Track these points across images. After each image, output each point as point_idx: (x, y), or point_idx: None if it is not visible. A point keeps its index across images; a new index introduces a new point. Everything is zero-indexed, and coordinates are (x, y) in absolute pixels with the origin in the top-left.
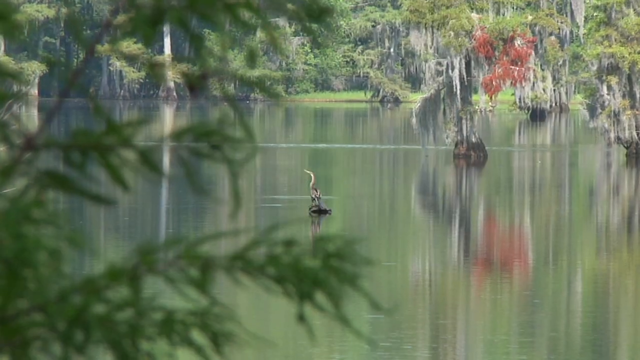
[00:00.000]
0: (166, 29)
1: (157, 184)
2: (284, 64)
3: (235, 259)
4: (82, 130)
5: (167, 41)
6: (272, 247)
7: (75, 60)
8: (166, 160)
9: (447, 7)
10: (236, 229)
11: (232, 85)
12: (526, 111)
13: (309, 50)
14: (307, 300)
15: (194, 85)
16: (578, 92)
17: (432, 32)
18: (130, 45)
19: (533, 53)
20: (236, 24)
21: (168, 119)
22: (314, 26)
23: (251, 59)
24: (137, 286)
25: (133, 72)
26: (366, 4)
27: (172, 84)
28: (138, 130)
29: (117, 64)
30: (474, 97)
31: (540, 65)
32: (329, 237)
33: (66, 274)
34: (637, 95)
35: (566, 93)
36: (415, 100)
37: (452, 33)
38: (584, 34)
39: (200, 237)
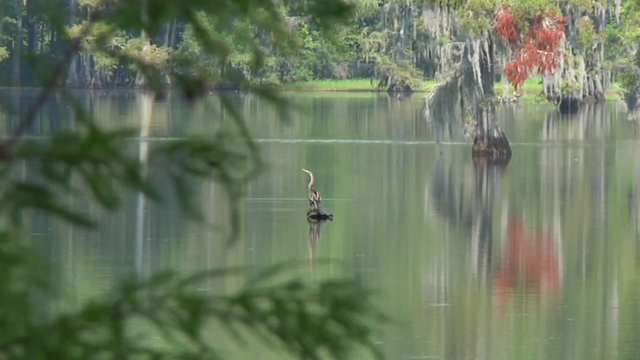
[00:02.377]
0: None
1: (136, 202)
2: (278, 47)
3: (234, 303)
4: (65, 136)
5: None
6: (275, 290)
7: (40, 43)
8: (148, 173)
9: None
10: (232, 267)
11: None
12: (556, 102)
13: (307, 32)
14: (310, 356)
15: (193, 92)
16: (615, 80)
17: (448, 11)
18: (102, 27)
19: (563, 35)
20: (244, 18)
21: (146, 111)
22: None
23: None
24: (119, 326)
25: (106, 57)
26: None
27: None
28: (125, 140)
29: (88, 48)
30: (496, 86)
31: (572, 50)
32: (339, 283)
33: (36, 312)
34: None
35: (601, 81)
36: (428, 89)
37: (470, 12)
38: (621, 14)
39: (192, 274)
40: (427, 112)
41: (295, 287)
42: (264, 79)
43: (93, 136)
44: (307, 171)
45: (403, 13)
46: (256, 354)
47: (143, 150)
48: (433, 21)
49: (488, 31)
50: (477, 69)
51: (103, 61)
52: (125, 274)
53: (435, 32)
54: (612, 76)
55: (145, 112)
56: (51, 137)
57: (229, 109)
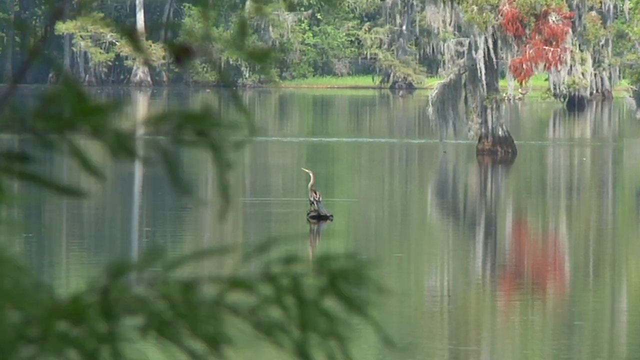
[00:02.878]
0: (139, 1)
1: (129, 182)
2: (277, 43)
3: (228, 282)
4: (48, 110)
5: (140, 17)
6: (269, 265)
7: (33, 39)
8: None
9: None
10: (224, 245)
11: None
12: (562, 99)
13: (307, 28)
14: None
15: (181, 55)
16: (623, 77)
17: (452, 7)
18: (97, 22)
19: (570, 31)
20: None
21: (141, 108)
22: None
23: (241, 32)
24: (107, 311)
25: (100, 53)
26: None
27: (146, 68)
28: (112, 113)
29: (82, 44)
30: (501, 83)
31: (579, 46)
32: (335, 256)
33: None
34: None
35: (609, 78)
36: (431, 86)
37: (475, 8)
38: (630, 9)
39: (183, 256)
40: (430, 110)
41: (290, 261)
42: (262, 76)
43: (80, 106)
44: (307, 170)
45: (405, 8)
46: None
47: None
48: (436, 16)
49: (493, 27)
50: (481, 65)
51: (97, 57)
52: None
53: (438, 28)
54: (620, 73)
55: (141, 109)
56: (36, 106)
57: (220, 73)
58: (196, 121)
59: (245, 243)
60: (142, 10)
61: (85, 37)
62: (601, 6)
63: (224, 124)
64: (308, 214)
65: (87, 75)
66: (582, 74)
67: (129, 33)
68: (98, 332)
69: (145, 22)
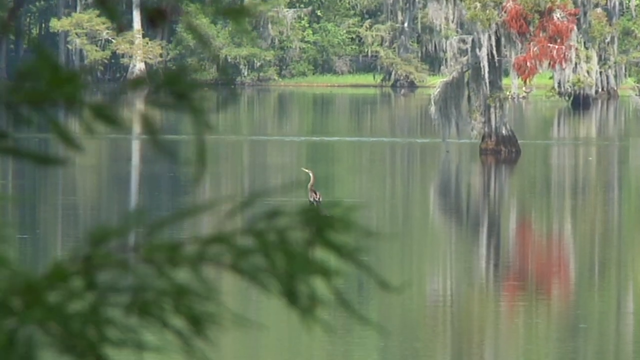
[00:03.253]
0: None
1: (126, 182)
2: (276, 41)
3: (210, 243)
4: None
5: (136, 15)
6: (254, 221)
7: (27, 37)
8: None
9: None
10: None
11: (215, 67)
12: (567, 98)
13: (307, 25)
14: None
15: (155, 18)
16: (629, 75)
17: (455, 3)
18: (92, 19)
19: (575, 28)
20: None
21: (137, 107)
22: None
23: (238, 27)
24: (93, 279)
25: (96, 51)
26: None
27: (142, 66)
28: (86, 81)
29: (77, 41)
30: (505, 81)
31: (584, 43)
32: (321, 205)
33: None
34: None
35: (615, 76)
36: (434, 84)
37: (478, 4)
38: (636, 6)
39: (164, 217)
40: (432, 109)
41: (274, 215)
42: (261, 74)
43: (55, 76)
44: (306, 170)
45: (407, 5)
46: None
47: (135, 149)
48: (438, 13)
49: (496, 24)
50: (484, 63)
51: (93, 55)
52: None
53: (440, 25)
54: (626, 71)
55: (137, 107)
56: (12, 81)
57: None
58: (175, 84)
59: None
60: (139, 8)
61: (80, 35)
62: (607, 3)
63: (203, 84)
64: None
65: (83, 74)
66: (587, 72)
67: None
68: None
69: (142, 20)
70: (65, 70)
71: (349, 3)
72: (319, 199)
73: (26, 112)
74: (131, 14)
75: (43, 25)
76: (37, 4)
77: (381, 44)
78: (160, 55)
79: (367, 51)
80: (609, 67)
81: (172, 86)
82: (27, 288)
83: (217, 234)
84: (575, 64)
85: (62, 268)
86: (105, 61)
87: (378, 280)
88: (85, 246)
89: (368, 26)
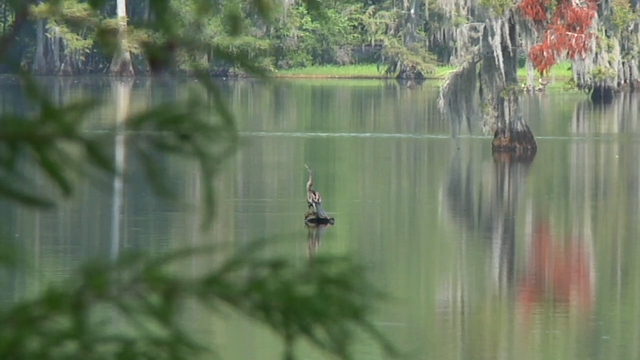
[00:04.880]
0: None
1: (108, 186)
2: (272, 29)
3: (209, 284)
4: (10, 116)
5: (120, 0)
6: (256, 269)
7: (2, 25)
8: (120, 155)
9: None
10: (210, 244)
11: (206, 56)
12: (587, 90)
13: (305, 12)
14: (301, 333)
15: (157, 59)
16: None
17: None
18: (73, 5)
19: (596, 15)
20: None
21: (123, 100)
22: None
23: (234, 27)
24: (82, 315)
25: (77, 39)
26: None
27: (127, 56)
28: (84, 115)
29: (56, 29)
30: (520, 73)
31: (605, 31)
32: (330, 259)
33: None
34: None
35: (638, 67)
36: (442, 76)
37: None
38: None
39: (164, 254)
40: (441, 102)
41: (279, 265)
42: (256, 65)
43: (46, 110)
44: (307, 168)
45: None
46: (240, 333)
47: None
48: None
49: (510, 10)
50: (498, 53)
51: (74, 44)
52: (90, 257)
53: (450, 12)
54: None
55: (122, 101)
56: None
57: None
58: (179, 123)
59: (233, 243)
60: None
61: (60, 22)
62: None
63: (210, 126)
64: (306, 217)
65: (63, 64)
66: (609, 62)
67: (102, 31)
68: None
69: (126, 5)
70: (58, 104)
71: None
72: (318, 200)
73: (11, 150)
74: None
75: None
76: None
77: (386, 32)
78: (140, 28)
79: (371, 40)
80: (632, 57)
81: (175, 126)
82: (18, 314)
83: (216, 276)
84: (596, 53)
85: (56, 294)
86: (87, 51)
87: (386, 346)
88: (80, 278)
89: (371, 13)
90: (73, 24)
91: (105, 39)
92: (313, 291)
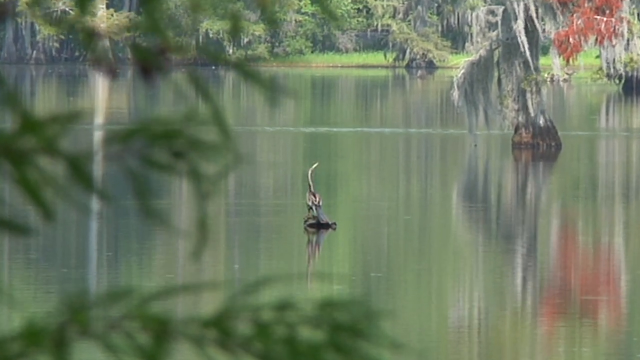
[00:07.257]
0: None
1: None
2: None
3: (207, 327)
4: None
5: None
6: (259, 311)
7: None
8: (99, 170)
9: None
10: (208, 282)
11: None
12: (617, 81)
13: None
14: None
15: (149, 65)
16: None
17: None
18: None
19: None
20: None
21: (102, 92)
22: None
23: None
24: (64, 353)
25: (50, 24)
26: None
27: (107, 42)
28: (66, 129)
29: (27, 13)
30: (543, 61)
31: (638, 15)
32: (340, 303)
33: None
34: None
35: None
36: (457, 65)
37: None
38: None
39: (157, 291)
40: (455, 94)
41: (284, 307)
42: (250, 52)
43: (25, 122)
44: (314, 167)
45: None
46: None
47: (96, 140)
48: None
49: None
50: (522, 39)
51: (47, 30)
52: (73, 290)
53: None
54: None
55: (101, 93)
56: None
57: (199, 87)
58: (172, 139)
59: (230, 281)
60: None
61: (31, 5)
62: None
63: (205, 143)
64: (305, 221)
65: (35, 52)
66: None
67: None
68: None
69: None
70: (37, 116)
71: None
72: (318, 202)
73: None
74: None
75: None
76: None
77: (394, 16)
78: (128, 30)
79: (377, 25)
80: None
81: (168, 142)
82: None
83: (216, 317)
84: (628, 39)
85: (35, 329)
86: (62, 37)
87: None
88: (62, 312)
89: None
90: (55, 22)
91: (92, 42)
92: (322, 339)
